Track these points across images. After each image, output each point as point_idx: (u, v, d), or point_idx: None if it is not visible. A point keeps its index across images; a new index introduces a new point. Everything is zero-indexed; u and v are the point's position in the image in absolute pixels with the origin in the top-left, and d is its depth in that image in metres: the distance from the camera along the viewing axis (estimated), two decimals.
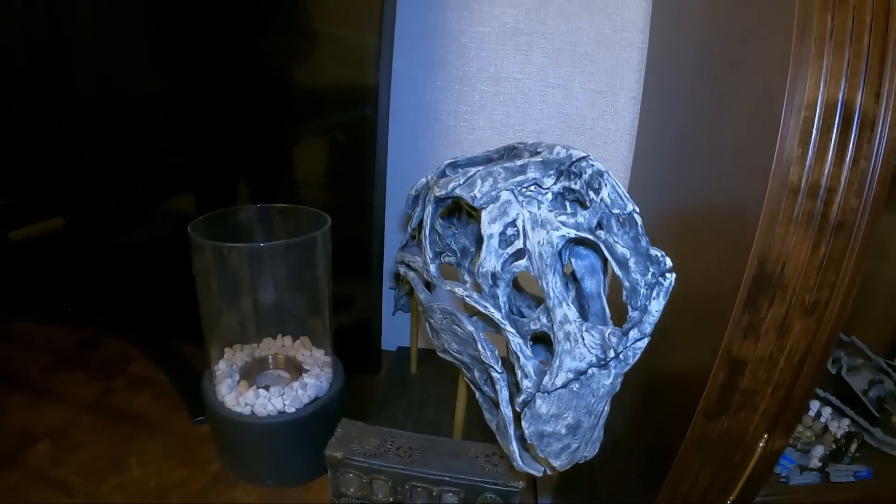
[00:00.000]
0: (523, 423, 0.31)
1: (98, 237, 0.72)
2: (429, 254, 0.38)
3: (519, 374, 0.32)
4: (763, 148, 0.38)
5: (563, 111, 0.69)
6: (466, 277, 0.41)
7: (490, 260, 0.32)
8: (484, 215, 0.31)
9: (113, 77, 0.64)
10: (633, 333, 0.27)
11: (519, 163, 0.32)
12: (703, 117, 0.49)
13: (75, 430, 0.56)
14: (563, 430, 0.30)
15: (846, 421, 0.55)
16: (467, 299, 0.34)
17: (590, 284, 0.32)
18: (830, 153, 0.37)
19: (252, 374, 0.56)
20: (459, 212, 0.45)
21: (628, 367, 0.28)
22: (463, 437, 0.55)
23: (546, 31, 0.66)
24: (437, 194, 0.35)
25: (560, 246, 0.29)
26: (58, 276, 0.76)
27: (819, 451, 0.52)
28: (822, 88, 0.35)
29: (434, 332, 0.43)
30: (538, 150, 0.32)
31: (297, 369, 0.57)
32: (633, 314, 0.28)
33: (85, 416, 0.58)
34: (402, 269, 0.48)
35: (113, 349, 0.71)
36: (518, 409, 0.32)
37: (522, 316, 0.41)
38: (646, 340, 0.27)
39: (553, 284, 0.30)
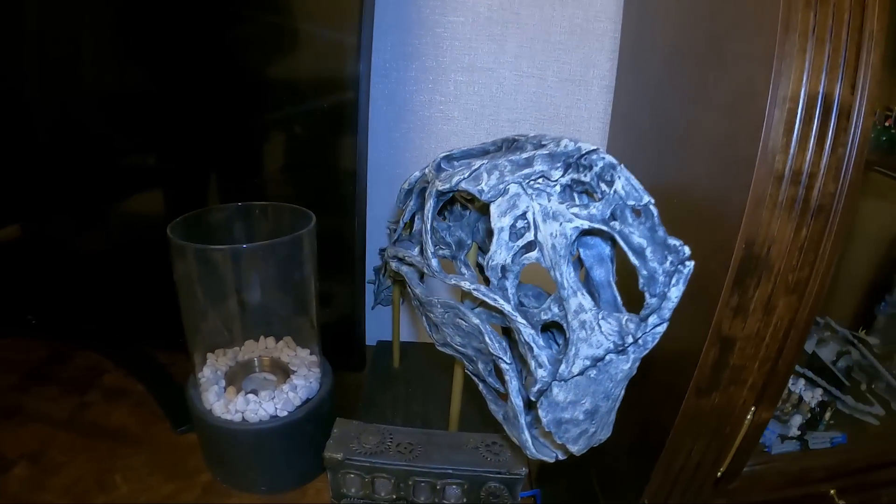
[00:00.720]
0: (540, 411, 0.31)
1: (60, 242, 0.67)
2: (430, 248, 0.37)
3: (532, 363, 0.32)
4: (747, 138, 0.40)
5: (537, 100, 0.70)
6: (463, 270, 0.41)
7: (500, 253, 0.32)
8: (493, 209, 0.31)
9: (76, 69, 0.60)
10: (653, 319, 0.28)
11: (524, 156, 0.32)
12: (680, 107, 0.50)
13: (53, 449, 0.53)
14: (582, 416, 0.31)
15: (819, 391, 0.59)
16: (475, 293, 0.34)
17: (599, 273, 0.33)
18: (812, 142, 0.39)
19: (237, 378, 0.54)
20: (452, 204, 0.45)
21: (646, 351, 0.29)
22: (459, 429, 0.55)
23: (520, 21, 0.66)
24: (440, 188, 0.34)
25: (574, 237, 0.29)
26: (19, 287, 0.71)
27: (797, 420, 0.55)
28: (804, 82, 0.37)
29: (433, 327, 0.43)
30: (543, 142, 0.32)
31: (283, 371, 0.56)
32: (651, 301, 0.28)
33: (62, 434, 0.55)
34: (394, 264, 0.47)
35: (83, 361, 0.67)
36: (533, 399, 0.32)
37: (522, 306, 0.41)
38: (665, 325, 0.28)
39: (567, 275, 0.30)
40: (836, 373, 0.61)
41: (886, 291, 0.74)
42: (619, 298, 0.32)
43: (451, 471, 0.45)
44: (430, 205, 0.36)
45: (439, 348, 0.43)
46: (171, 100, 0.59)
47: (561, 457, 0.36)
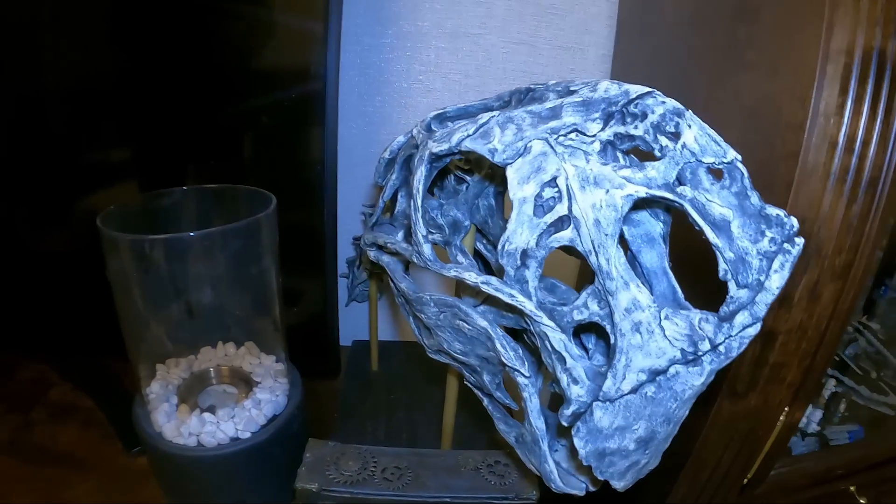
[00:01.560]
0: (576, 440, 0.24)
1: None
2: (421, 230, 0.29)
3: (564, 378, 0.25)
4: (793, 99, 0.34)
5: (527, 70, 0.63)
6: (460, 258, 0.34)
7: (521, 233, 0.24)
8: (510, 174, 0.24)
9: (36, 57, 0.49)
10: (742, 318, 0.21)
11: (548, 105, 0.25)
12: (703, 70, 0.44)
13: None
14: (633, 445, 0.24)
15: (832, 381, 0.54)
16: (484, 287, 0.26)
17: (649, 258, 0.26)
18: (866, 104, 0.33)
19: (192, 392, 0.45)
20: (444, 177, 0.37)
21: (730, 360, 0.22)
22: (454, 445, 0.48)
23: None
24: (435, 150, 0.27)
25: (626, 209, 0.22)
26: None
27: (817, 415, 0.50)
28: (859, 34, 0.32)
29: (424, 330, 0.35)
30: (572, 88, 0.25)
31: (245, 382, 0.47)
32: (739, 293, 0.21)
33: (1, 459, 0.48)
34: (372, 253, 0.39)
35: (28, 374, 0.59)
36: (566, 424, 0.25)
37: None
38: (758, 327, 0.21)
39: (616, 261, 0.23)
40: (849, 363, 0.57)
41: (887, 276, 0.71)
42: (679, 290, 0.25)
43: (448, 499, 0.38)
44: (420, 173, 0.28)
45: (431, 356, 0.36)
46: (120, 78, 0.50)
47: (592, 488, 0.29)
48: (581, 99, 0.24)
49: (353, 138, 0.63)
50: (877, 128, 0.34)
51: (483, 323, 0.29)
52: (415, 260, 0.31)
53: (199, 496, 0.42)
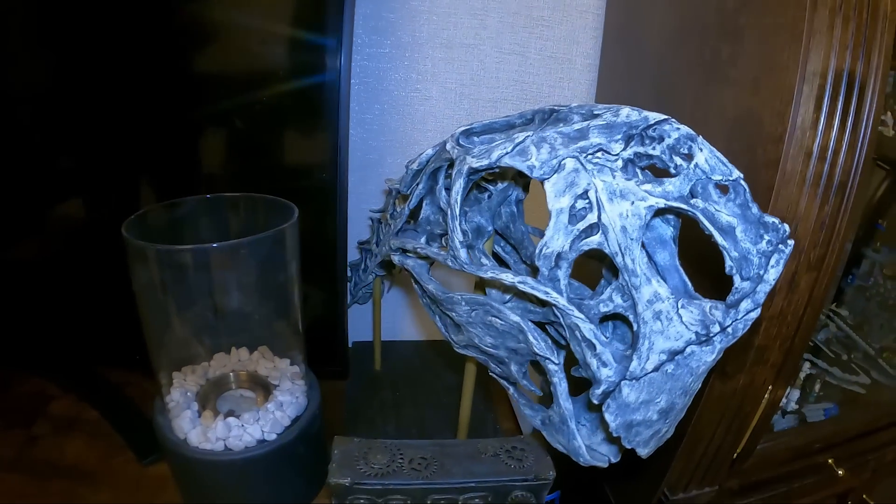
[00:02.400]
0: (607, 415, 0.28)
1: None
2: (458, 237, 0.32)
3: (594, 363, 0.28)
4: (774, 114, 0.38)
5: (519, 79, 0.66)
6: (484, 261, 0.37)
7: (557, 238, 0.27)
8: (549, 188, 0.27)
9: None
10: (746, 304, 0.25)
11: (576, 127, 0.28)
12: (688, 85, 0.48)
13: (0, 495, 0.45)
14: (655, 416, 0.28)
15: (807, 364, 0.60)
16: (521, 286, 0.30)
17: (663, 257, 0.29)
18: (837, 118, 0.38)
19: (209, 399, 0.47)
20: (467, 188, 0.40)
21: (735, 339, 0.26)
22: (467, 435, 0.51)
23: None
24: (475, 165, 0.30)
25: (648, 218, 0.26)
26: None
27: (795, 394, 0.55)
28: (832, 58, 0.36)
29: (454, 328, 0.38)
30: (595, 112, 0.28)
31: (262, 387, 0.49)
32: (743, 284, 0.25)
33: (8, 476, 0.46)
34: (396, 258, 0.42)
35: (27, 388, 0.57)
36: (597, 401, 0.28)
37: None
38: (758, 311, 0.25)
39: (640, 260, 0.26)
40: (821, 346, 0.63)
41: (855, 266, 0.77)
42: (689, 283, 0.29)
43: (473, 484, 0.41)
44: (459, 185, 0.31)
45: (459, 350, 0.39)
46: (118, 87, 0.50)
47: (614, 459, 0.33)
48: (605, 122, 0.27)
49: (353, 145, 0.65)
50: (845, 139, 0.38)
51: (515, 318, 0.32)
52: (449, 264, 0.34)
53: (228, 499, 0.43)
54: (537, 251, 0.28)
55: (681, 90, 0.48)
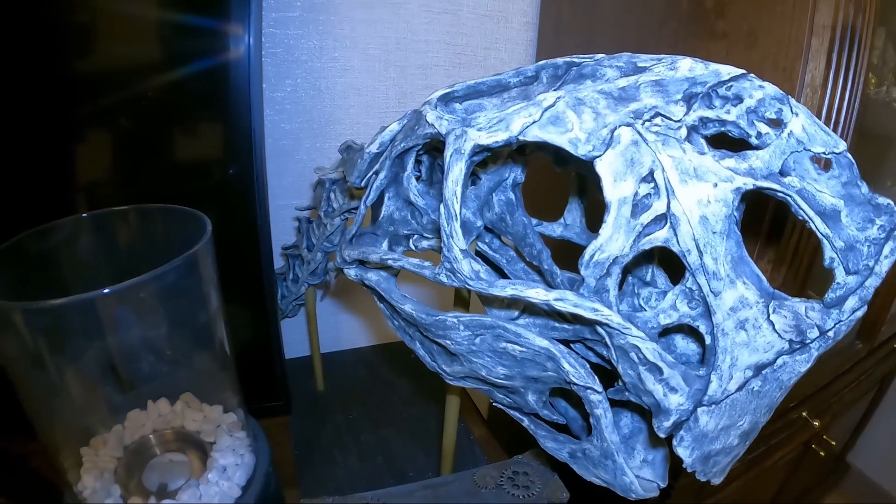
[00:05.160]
0: (680, 450, 0.22)
1: None
2: (459, 243, 0.24)
3: (659, 389, 0.22)
4: (777, 69, 0.34)
5: (451, 41, 0.58)
6: (474, 266, 0.29)
7: (617, 239, 0.21)
8: (603, 170, 0.20)
9: None
10: (852, 303, 0.20)
11: (620, 84, 0.21)
12: (661, 37, 0.43)
13: None
14: (736, 441, 0.23)
15: None
16: (559, 304, 0.22)
17: (728, 245, 0.24)
18: (842, 76, 0.34)
19: (132, 473, 0.35)
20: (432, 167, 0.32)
21: (836, 342, 0.21)
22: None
23: None
24: (485, 141, 0.22)
25: (736, 203, 0.20)
26: None
27: None
28: (840, 9, 0.32)
29: (445, 356, 0.30)
30: (640, 64, 0.22)
31: (195, 445, 0.38)
32: (848, 279, 0.20)
33: None
34: (352, 272, 0.33)
35: None
36: (664, 435, 0.23)
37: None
38: (865, 309, 0.21)
39: (723, 259, 0.20)
40: None
41: None
42: (763, 278, 0.23)
43: None
44: (457, 171, 0.23)
45: (453, 383, 0.31)
46: None
47: (663, 484, 0.28)
48: (657, 77, 0.21)
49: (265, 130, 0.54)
50: (847, 97, 0.35)
51: (544, 343, 0.25)
52: (442, 280, 0.26)
53: None
54: (587, 257, 0.21)
55: (651, 46, 0.43)
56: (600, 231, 0.21)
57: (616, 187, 0.20)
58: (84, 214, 0.32)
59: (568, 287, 0.30)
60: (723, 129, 0.21)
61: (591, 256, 0.21)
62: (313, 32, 0.52)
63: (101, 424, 0.36)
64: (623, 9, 0.47)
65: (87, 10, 0.37)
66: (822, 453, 0.64)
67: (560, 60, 0.24)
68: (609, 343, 0.24)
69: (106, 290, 0.27)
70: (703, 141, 0.21)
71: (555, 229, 0.34)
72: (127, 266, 0.35)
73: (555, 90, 0.22)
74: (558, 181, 0.34)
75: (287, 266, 0.54)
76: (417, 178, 0.32)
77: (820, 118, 0.34)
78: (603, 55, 0.23)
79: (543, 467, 0.39)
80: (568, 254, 0.31)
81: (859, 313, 0.21)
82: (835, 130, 0.35)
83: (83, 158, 0.40)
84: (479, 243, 0.34)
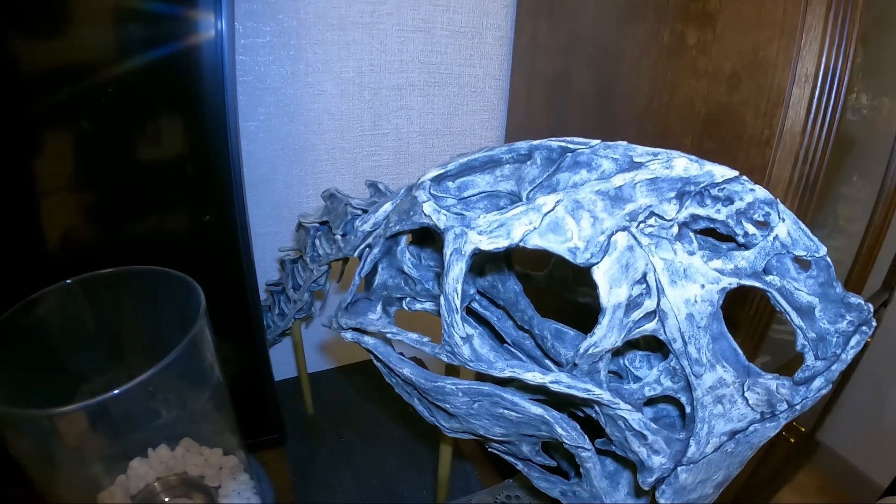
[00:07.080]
0: (661, 499, 0.25)
1: None
2: (459, 332, 0.25)
3: (644, 451, 0.25)
4: (759, 115, 0.35)
5: (426, 59, 0.57)
6: (468, 330, 0.30)
7: (610, 336, 0.22)
8: (600, 277, 0.21)
9: None
10: (819, 383, 0.23)
11: (616, 183, 0.22)
12: (642, 65, 0.43)
13: None
14: (711, 490, 0.26)
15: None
16: (554, 387, 0.24)
17: (711, 329, 0.25)
18: (820, 121, 0.36)
19: None
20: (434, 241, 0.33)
21: (800, 413, 0.23)
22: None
23: None
24: (487, 247, 0.23)
25: (720, 303, 0.21)
26: None
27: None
28: (824, 58, 0.33)
29: (444, 414, 0.32)
30: (635, 158, 0.22)
31: (200, 490, 0.39)
32: (816, 364, 0.22)
33: None
34: (349, 336, 0.33)
35: None
36: (647, 488, 0.25)
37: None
38: (830, 387, 0.23)
39: (706, 348, 0.22)
40: None
41: None
42: (740, 351, 0.25)
43: None
44: (457, 270, 0.24)
45: (451, 435, 0.33)
46: None
47: None
48: (652, 175, 0.22)
49: None
50: (822, 142, 0.37)
51: (538, 410, 0.27)
52: (444, 359, 0.27)
53: None
54: (582, 351, 0.23)
55: (632, 70, 0.44)
56: (594, 330, 0.22)
57: (612, 293, 0.21)
58: (69, 281, 0.31)
59: (556, 345, 0.31)
60: (712, 225, 0.22)
61: (586, 351, 0.22)
62: (284, 58, 0.51)
63: (105, 475, 0.36)
64: (600, 30, 0.47)
65: None
66: (791, 440, 0.68)
67: (554, 143, 0.25)
68: (598, 410, 0.25)
69: (115, 392, 0.27)
70: (692, 235, 0.23)
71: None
72: (117, 328, 0.35)
73: (553, 192, 0.22)
74: None
75: (272, 300, 0.54)
76: (409, 242, 0.32)
77: (797, 161, 0.36)
78: (598, 142, 0.24)
79: (532, 492, 0.41)
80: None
81: (824, 391, 0.23)
82: (811, 168, 0.36)
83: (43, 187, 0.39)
84: (473, 303, 0.35)
